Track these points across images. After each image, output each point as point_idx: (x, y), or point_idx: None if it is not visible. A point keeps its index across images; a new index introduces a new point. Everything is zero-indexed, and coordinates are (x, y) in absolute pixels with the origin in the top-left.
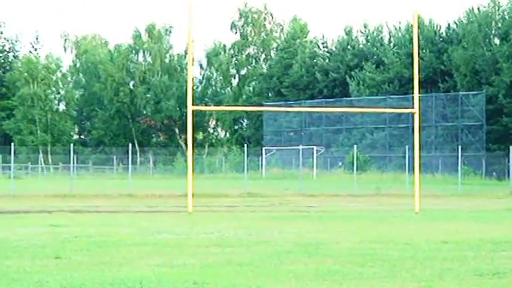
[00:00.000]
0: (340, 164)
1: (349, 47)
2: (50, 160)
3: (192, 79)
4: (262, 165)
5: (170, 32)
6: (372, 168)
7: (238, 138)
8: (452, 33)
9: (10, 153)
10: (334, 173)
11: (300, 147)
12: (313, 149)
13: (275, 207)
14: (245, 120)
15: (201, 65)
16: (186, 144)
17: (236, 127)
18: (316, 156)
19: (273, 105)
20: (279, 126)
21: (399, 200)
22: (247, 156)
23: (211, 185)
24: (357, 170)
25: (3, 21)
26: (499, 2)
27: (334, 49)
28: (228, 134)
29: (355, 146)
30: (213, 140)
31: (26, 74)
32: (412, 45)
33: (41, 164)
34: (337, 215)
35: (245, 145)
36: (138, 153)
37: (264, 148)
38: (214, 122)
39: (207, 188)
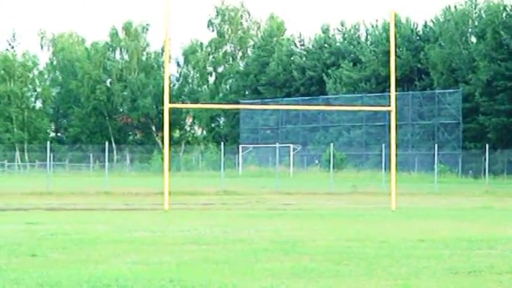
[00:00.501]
0: (316, 162)
1: (326, 45)
2: (26, 158)
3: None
4: (238, 163)
5: (147, 29)
6: (348, 166)
7: (215, 136)
8: (429, 32)
9: None
10: (311, 171)
11: (277, 145)
12: (289, 147)
13: (251, 205)
14: (222, 118)
15: (178, 63)
16: (162, 141)
17: (213, 125)
18: (293, 154)
19: (249, 103)
20: (256, 124)
21: (376, 198)
22: (224, 154)
23: (187, 182)
24: (333, 168)
25: None
26: (475, 0)
27: (311, 47)
28: (204, 132)
29: (331, 144)
30: (190, 138)
31: (2, 72)
32: (389, 43)
33: (18, 161)
34: (313, 213)
35: (222, 143)
36: (114, 151)
37: (240, 146)
38: (191, 120)
39: (183, 186)
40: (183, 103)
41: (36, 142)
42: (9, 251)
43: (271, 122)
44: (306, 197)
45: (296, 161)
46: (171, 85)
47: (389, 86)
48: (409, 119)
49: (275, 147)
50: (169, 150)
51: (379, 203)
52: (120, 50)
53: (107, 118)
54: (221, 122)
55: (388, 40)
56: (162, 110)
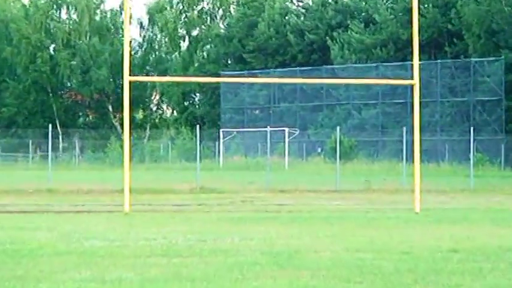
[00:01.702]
0: (319, 150)
1: (330, 0)
2: None
3: (130, 42)
4: (219, 152)
5: None
6: (359, 156)
7: (189, 117)
8: None
9: None
10: (312, 162)
11: (268, 129)
12: (284, 131)
13: (236, 206)
14: (197, 94)
15: (141, 24)
16: (121, 125)
17: (186, 103)
18: (289, 141)
19: (232, 76)
20: (241, 102)
21: (395, 197)
22: (200, 141)
23: (154, 177)
24: (340, 158)
25: None
26: None
27: (311, 4)
28: (175, 113)
29: (338, 128)
30: (157, 120)
31: None
32: None
33: None
34: (315, 216)
35: (197, 126)
36: (60, 137)
37: (221, 130)
38: (158, 97)
39: (148, 182)
40: (147, 75)
41: None
42: None
43: (261, 100)
44: (305, 196)
45: (293, 150)
46: (133, 52)
47: (411, 53)
48: (438, 95)
49: (266, 131)
50: (130, 135)
51: (399, 203)
52: (67, 7)
53: (51, 95)
54: (196, 99)
55: None
56: (121, 84)
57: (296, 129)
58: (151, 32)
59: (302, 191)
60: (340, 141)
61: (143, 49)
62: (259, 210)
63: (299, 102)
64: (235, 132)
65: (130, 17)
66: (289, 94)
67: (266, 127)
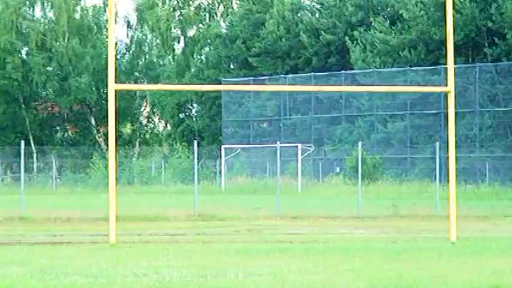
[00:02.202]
0: (338, 170)
1: None
2: None
3: (115, 44)
4: (220, 172)
5: None
6: (385, 176)
7: (185, 132)
8: None
9: None
10: (329, 184)
11: (278, 145)
12: (297, 147)
13: (241, 235)
14: (195, 105)
15: (128, 23)
16: (106, 141)
17: (181, 116)
18: (302, 159)
19: (236, 83)
20: (246, 114)
21: (427, 224)
22: (199, 159)
23: (144, 202)
24: (363, 179)
25: None
26: None
27: None
28: (169, 127)
29: (360, 144)
30: (148, 136)
31: None
32: None
33: None
34: (333, 247)
35: (195, 142)
36: (34, 156)
37: (223, 147)
38: (148, 109)
39: (138, 207)
40: (136, 83)
41: None
42: None
43: (269, 111)
44: (321, 223)
45: (307, 169)
46: (119, 56)
47: (445, 56)
48: (476, 105)
49: (275, 148)
50: (117, 153)
51: (431, 231)
52: (42, 4)
53: (23, 106)
54: (193, 111)
55: None
56: (106, 93)
57: (311, 145)
58: (141, 32)
59: (318, 218)
60: (363, 159)
61: (131, 52)
62: (268, 240)
63: (314, 113)
64: (239, 149)
65: (116, 15)
66: (303, 104)
67: (275, 143)
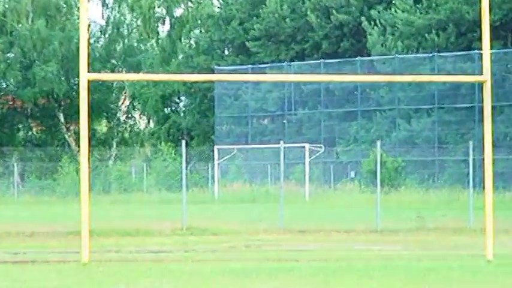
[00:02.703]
0: (352, 175)
1: None
2: None
3: (88, 26)
4: (213, 178)
5: None
6: (408, 182)
7: (171, 130)
8: None
9: None
10: (343, 191)
11: (281, 145)
12: (304, 148)
13: (237, 253)
14: (182, 98)
15: (104, 1)
16: (77, 141)
17: (167, 111)
18: (310, 162)
19: (231, 72)
20: (243, 108)
21: (458, 239)
22: (188, 162)
23: (123, 213)
24: (382, 185)
25: None
26: None
27: None
28: (152, 124)
29: (378, 143)
30: (127, 135)
31: None
32: None
33: None
34: (348, 266)
35: (183, 142)
36: None
37: (216, 148)
38: (127, 103)
39: (115, 220)
40: (113, 72)
41: None
42: None
43: (271, 105)
44: (333, 238)
45: (316, 174)
46: (92, 41)
47: (480, 39)
48: None
49: (278, 149)
50: (90, 155)
51: (464, 247)
52: None
53: None
54: (181, 105)
55: None
56: (77, 84)
57: (320, 145)
58: (118, 12)
59: (329, 232)
60: (382, 162)
61: (107, 36)
62: (270, 258)
63: (324, 107)
64: (235, 150)
65: None
66: (310, 97)
67: (278, 143)
